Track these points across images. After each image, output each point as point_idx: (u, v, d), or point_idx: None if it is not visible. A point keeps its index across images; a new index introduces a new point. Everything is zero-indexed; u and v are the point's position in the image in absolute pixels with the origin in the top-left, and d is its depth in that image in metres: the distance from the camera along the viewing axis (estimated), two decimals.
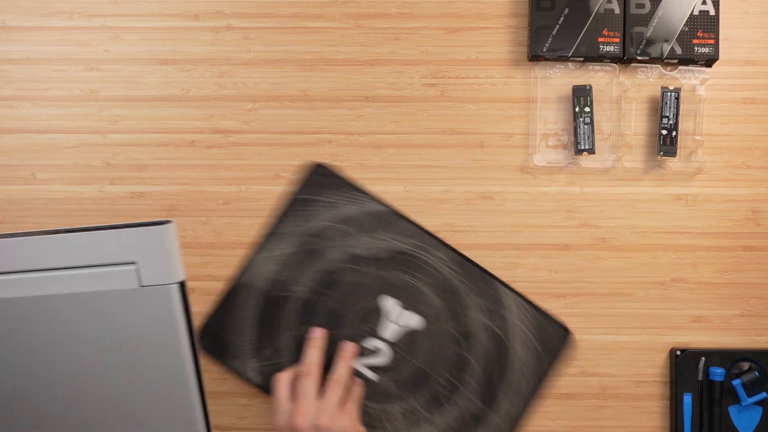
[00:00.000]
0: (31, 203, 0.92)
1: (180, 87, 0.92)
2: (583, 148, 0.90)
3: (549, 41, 0.89)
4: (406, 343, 0.89)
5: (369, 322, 0.89)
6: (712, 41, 0.89)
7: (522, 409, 0.88)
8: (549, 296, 0.92)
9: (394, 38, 0.92)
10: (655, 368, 0.92)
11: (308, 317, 0.89)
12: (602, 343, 0.92)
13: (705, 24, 0.89)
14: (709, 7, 0.89)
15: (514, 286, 0.91)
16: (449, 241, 0.90)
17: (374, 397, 0.88)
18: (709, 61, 0.90)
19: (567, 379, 0.92)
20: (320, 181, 0.90)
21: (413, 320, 0.89)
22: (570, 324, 0.92)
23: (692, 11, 0.89)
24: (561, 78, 0.92)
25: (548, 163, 0.92)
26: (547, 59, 0.91)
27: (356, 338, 0.89)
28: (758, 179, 0.92)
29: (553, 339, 0.89)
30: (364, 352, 0.88)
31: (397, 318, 0.89)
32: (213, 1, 0.93)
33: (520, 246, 0.92)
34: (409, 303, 0.89)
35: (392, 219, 0.90)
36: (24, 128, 0.92)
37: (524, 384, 0.88)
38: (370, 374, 0.88)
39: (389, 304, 0.89)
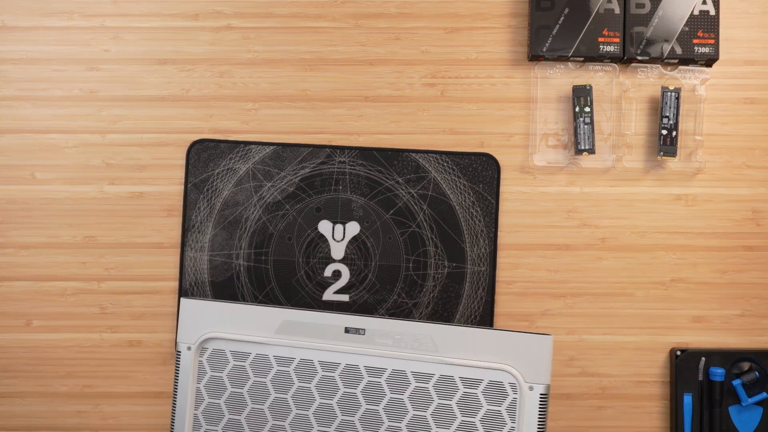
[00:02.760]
0: (31, 203, 0.92)
1: (180, 87, 0.92)
2: (583, 148, 0.90)
3: (549, 41, 0.89)
4: (357, 252, 0.88)
5: (318, 252, 0.89)
6: (712, 41, 0.89)
7: (491, 246, 0.88)
8: (549, 296, 0.92)
9: (394, 38, 0.92)
10: (655, 368, 0.92)
11: (261, 280, 0.88)
12: (602, 343, 0.92)
13: (705, 24, 0.89)
14: (709, 7, 0.89)
15: (514, 285, 0.91)
16: None
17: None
18: (709, 61, 0.90)
19: (567, 379, 0.92)
20: (206, 157, 0.90)
21: (351, 228, 0.89)
22: (570, 324, 0.92)
23: (692, 11, 0.89)
24: (561, 78, 0.92)
25: (548, 163, 0.92)
26: (547, 59, 0.91)
27: (315, 274, 0.88)
28: (758, 179, 0.92)
29: (479, 170, 0.89)
30: (325, 283, 0.87)
31: (338, 234, 0.89)
32: (213, 1, 0.93)
33: (520, 246, 0.92)
34: (341, 215, 0.88)
35: (283, 153, 0.89)
36: (24, 128, 0.92)
37: (478, 222, 0.88)
38: (342, 298, 0.87)
39: (325, 227, 0.89)
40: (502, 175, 0.92)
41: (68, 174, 0.92)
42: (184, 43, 0.92)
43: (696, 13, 0.89)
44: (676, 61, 0.90)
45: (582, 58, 0.90)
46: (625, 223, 0.92)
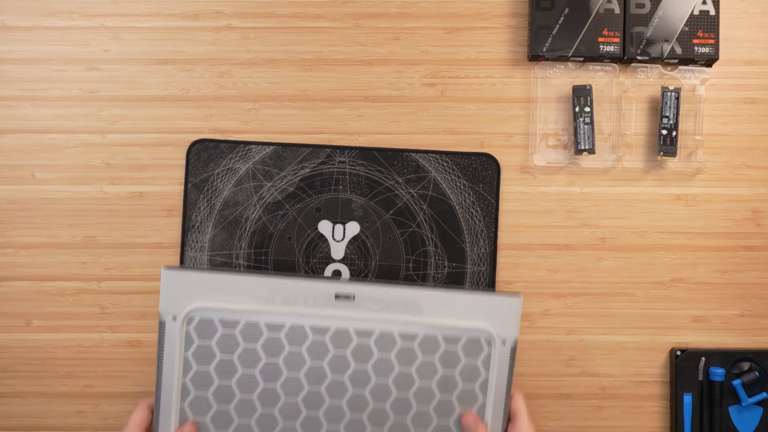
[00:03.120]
0: (31, 203, 0.92)
1: (180, 87, 0.92)
2: (583, 148, 0.90)
3: (549, 41, 0.89)
4: (357, 252, 0.89)
5: (318, 252, 0.90)
6: (712, 41, 0.89)
7: (491, 246, 0.90)
8: (549, 296, 0.92)
9: (394, 38, 0.92)
10: (655, 368, 0.92)
11: None
12: (602, 343, 0.92)
13: (705, 24, 0.89)
14: (709, 7, 0.89)
15: (513, 286, 0.91)
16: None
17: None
18: (709, 61, 0.90)
19: (567, 379, 0.92)
20: (206, 157, 0.91)
21: (351, 228, 0.90)
22: (570, 324, 0.92)
23: (692, 11, 0.89)
24: (561, 78, 0.92)
25: (548, 163, 0.92)
26: (547, 59, 0.91)
27: (315, 274, 0.89)
28: (758, 179, 0.92)
29: (479, 170, 0.90)
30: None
31: (338, 234, 0.90)
32: (213, 1, 0.93)
33: (520, 246, 0.92)
34: (341, 215, 0.89)
35: (283, 153, 0.90)
36: (24, 128, 0.92)
37: (478, 222, 0.89)
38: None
39: (325, 227, 0.90)
40: (502, 175, 0.92)
41: (68, 174, 0.92)
42: (184, 43, 0.92)
43: (696, 13, 0.89)
44: (676, 61, 0.90)
45: (582, 58, 0.90)
46: (625, 223, 0.92)
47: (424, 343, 0.79)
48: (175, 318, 0.78)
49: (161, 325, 0.77)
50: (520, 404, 0.81)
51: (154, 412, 0.79)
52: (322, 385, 0.79)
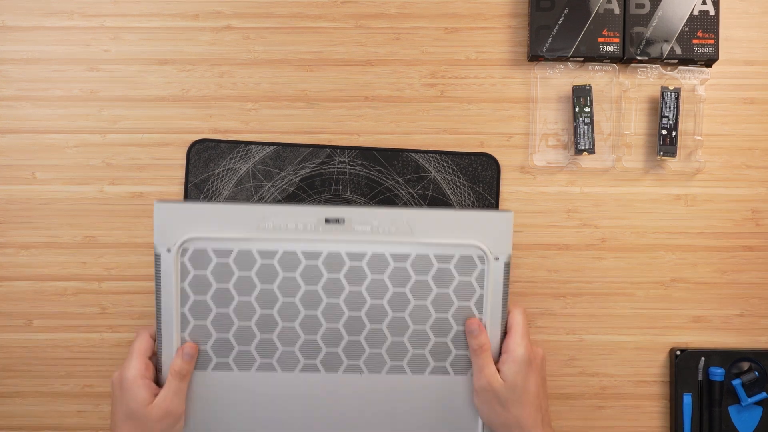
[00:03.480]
0: (31, 203, 0.92)
1: (180, 87, 0.92)
2: (583, 148, 0.90)
3: (549, 41, 0.90)
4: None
5: None
6: (712, 41, 0.89)
7: None
8: (549, 296, 0.92)
9: (394, 38, 0.93)
10: (655, 368, 0.92)
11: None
12: (602, 343, 0.92)
13: (705, 24, 0.89)
14: (709, 7, 0.89)
15: (513, 286, 0.91)
16: None
17: None
18: (709, 61, 0.90)
19: (567, 379, 0.92)
20: (207, 157, 0.91)
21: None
22: (570, 324, 0.92)
23: (692, 11, 0.89)
24: (561, 78, 0.92)
25: (548, 163, 0.92)
26: (546, 59, 0.91)
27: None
28: (758, 179, 0.92)
29: (479, 170, 0.91)
30: None
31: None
32: (213, 1, 0.93)
33: (520, 246, 0.92)
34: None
35: (283, 153, 0.90)
36: (24, 128, 0.92)
37: None
38: None
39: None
40: (502, 175, 0.92)
41: (68, 174, 0.92)
42: (184, 43, 0.92)
43: (696, 13, 0.89)
44: (675, 61, 0.90)
45: (582, 58, 0.90)
46: (624, 223, 0.92)
47: (416, 263, 0.81)
48: (169, 250, 0.79)
49: (156, 258, 0.79)
50: (515, 319, 0.81)
51: (156, 342, 0.81)
52: (318, 310, 0.81)
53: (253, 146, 0.91)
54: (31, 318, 0.92)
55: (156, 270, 0.80)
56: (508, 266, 0.81)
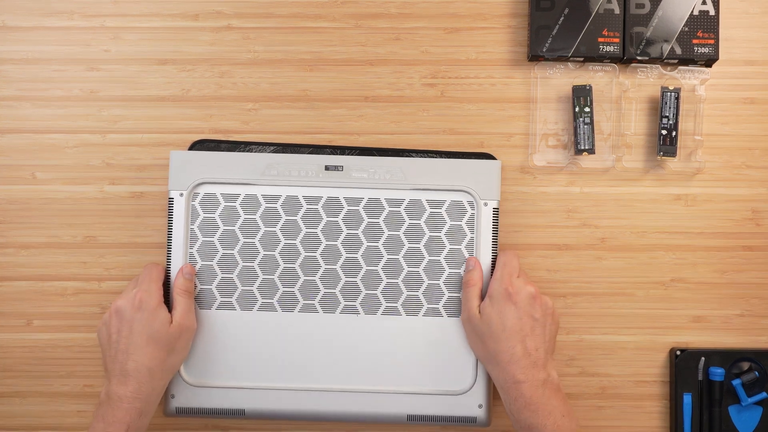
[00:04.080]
0: (31, 203, 0.92)
1: (180, 87, 0.92)
2: (583, 148, 0.90)
3: (549, 41, 0.89)
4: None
5: None
6: (712, 41, 0.89)
7: None
8: (549, 296, 0.92)
9: (394, 38, 0.92)
10: (655, 368, 0.92)
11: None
12: (602, 343, 0.92)
13: (705, 24, 0.89)
14: (709, 7, 0.89)
15: None
16: None
17: None
18: (709, 61, 0.90)
19: (567, 379, 0.92)
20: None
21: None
22: (570, 324, 0.92)
23: (692, 11, 0.89)
24: (561, 78, 0.92)
25: (548, 163, 0.92)
26: (546, 59, 0.91)
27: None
28: (758, 179, 0.92)
29: None
30: None
31: None
32: (213, 1, 0.93)
33: (520, 246, 0.92)
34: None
35: (284, 153, 0.91)
36: (24, 128, 0.92)
37: None
38: None
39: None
40: (502, 175, 0.92)
41: (68, 174, 0.92)
42: (184, 43, 0.92)
43: (696, 13, 0.89)
44: (675, 61, 0.90)
45: (582, 59, 0.90)
46: (624, 223, 0.92)
47: (409, 208, 0.87)
48: (181, 194, 0.87)
49: (170, 202, 0.87)
50: (500, 260, 0.86)
51: (168, 279, 0.87)
52: (317, 251, 0.87)
53: (254, 146, 0.91)
54: (31, 318, 0.92)
55: (168, 213, 0.87)
56: (497, 212, 0.87)
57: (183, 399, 0.87)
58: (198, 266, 0.87)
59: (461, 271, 0.87)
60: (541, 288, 0.92)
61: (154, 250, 0.92)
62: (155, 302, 0.83)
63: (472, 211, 0.87)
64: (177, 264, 0.87)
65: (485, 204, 0.87)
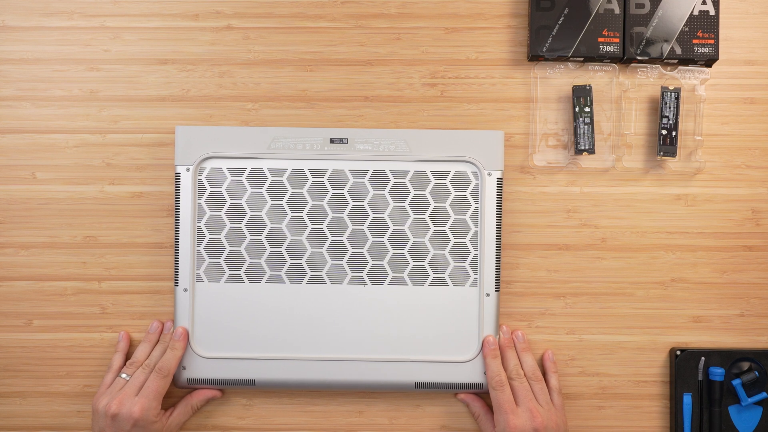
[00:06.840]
0: (31, 203, 0.92)
1: (180, 87, 0.92)
2: (583, 148, 0.90)
3: (549, 41, 0.89)
4: None
5: None
6: (712, 41, 0.89)
7: None
8: (549, 296, 0.92)
9: (394, 38, 0.92)
10: (655, 368, 0.92)
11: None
12: (602, 343, 0.92)
13: (705, 24, 0.89)
14: (709, 7, 0.89)
15: (513, 285, 0.92)
16: None
17: None
18: (709, 61, 0.90)
19: (567, 379, 0.92)
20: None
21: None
22: (570, 324, 0.92)
23: (692, 11, 0.89)
24: (561, 78, 0.92)
25: (548, 163, 0.92)
26: (547, 59, 0.91)
27: None
28: (758, 179, 0.92)
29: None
30: None
31: None
32: (213, 1, 0.93)
33: (520, 246, 0.92)
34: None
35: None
36: (24, 128, 0.92)
37: None
38: None
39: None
40: (502, 176, 0.92)
41: (68, 174, 0.92)
42: (184, 43, 0.92)
43: (696, 13, 0.89)
44: (675, 61, 0.90)
45: (582, 58, 0.90)
46: (624, 223, 0.92)
47: (414, 179, 0.88)
48: (188, 169, 0.88)
49: (177, 177, 0.88)
50: (495, 401, 0.85)
51: (174, 255, 0.88)
52: (323, 224, 0.88)
53: None
54: (31, 318, 0.92)
55: (176, 189, 0.88)
56: (500, 182, 0.88)
57: (194, 370, 0.88)
58: (206, 240, 0.88)
59: (466, 240, 0.88)
60: (541, 288, 0.92)
61: (154, 250, 0.92)
62: (151, 419, 0.85)
63: (476, 182, 0.88)
64: (185, 240, 0.88)
65: (489, 174, 0.88)
